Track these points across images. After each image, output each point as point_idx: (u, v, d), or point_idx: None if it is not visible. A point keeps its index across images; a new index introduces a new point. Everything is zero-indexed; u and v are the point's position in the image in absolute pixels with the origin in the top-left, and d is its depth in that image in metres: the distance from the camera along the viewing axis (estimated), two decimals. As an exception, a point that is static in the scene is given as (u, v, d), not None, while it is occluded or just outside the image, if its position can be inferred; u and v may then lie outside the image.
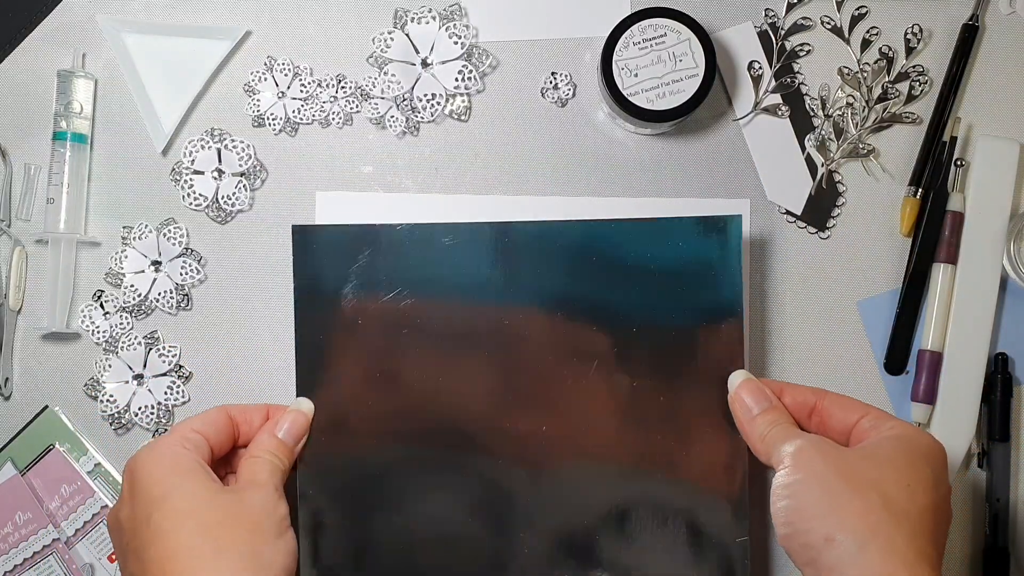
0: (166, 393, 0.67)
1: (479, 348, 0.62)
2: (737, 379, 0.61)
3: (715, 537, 0.61)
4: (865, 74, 0.69)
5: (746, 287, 0.67)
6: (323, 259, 0.62)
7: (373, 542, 0.62)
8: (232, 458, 0.62)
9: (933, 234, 0.67)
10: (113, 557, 0.67)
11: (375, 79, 0.68)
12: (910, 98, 0.69)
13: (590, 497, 0.62)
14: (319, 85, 0.69)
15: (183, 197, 0.68)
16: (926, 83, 0.69)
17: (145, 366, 0.68)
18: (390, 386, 0.62)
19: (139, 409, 0.67)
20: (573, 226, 0.63)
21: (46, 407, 0.68)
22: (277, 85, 0.69)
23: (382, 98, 0.68)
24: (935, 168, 0.68)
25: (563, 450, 0.62)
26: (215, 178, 0.68)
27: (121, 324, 0.68)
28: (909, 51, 0.69)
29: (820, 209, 0.68)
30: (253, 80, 0.69)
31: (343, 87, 0.69)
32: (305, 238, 0.63)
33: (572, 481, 0.62)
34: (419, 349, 0.62)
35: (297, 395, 0.62)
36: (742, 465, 0.61)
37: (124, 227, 0.68)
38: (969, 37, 0.68)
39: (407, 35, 0.68)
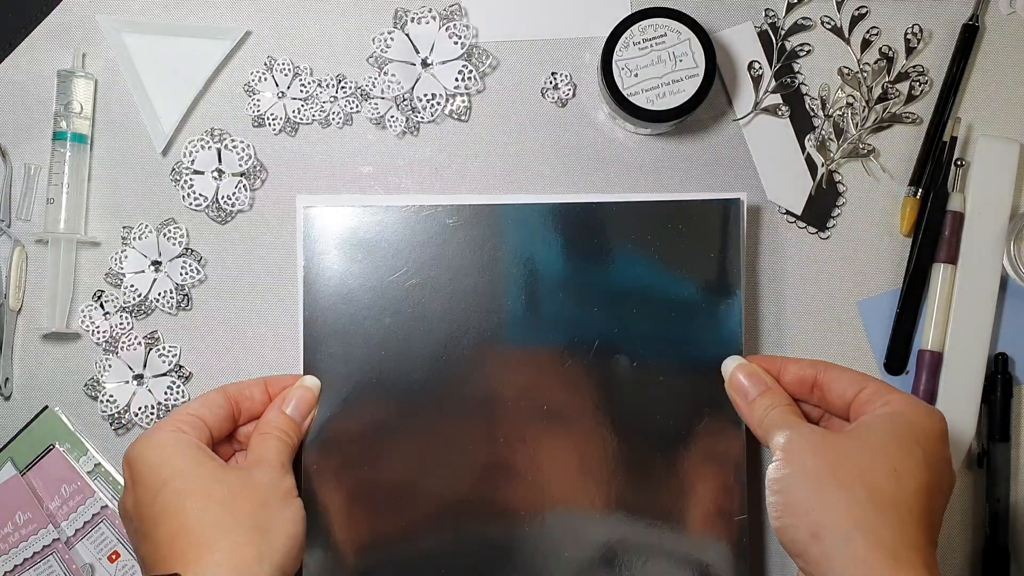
0: (166, 393, 0.67)
1: (482, 326, 0.63)
2: (732, 363, 0.62)
3: (713, 515, 0.62)
4: (865, 74, 0.69)
5: (746, 287, 0.66)
6: (332, 238, 0.64)
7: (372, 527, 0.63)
8: (237, 436, 0.62)
9: (933, 234, 0.67)
10: (113, 557, 0.67)
11: (375, 79, 0.68)
12: (910, 98, 0.69)
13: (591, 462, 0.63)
14: (319, 85, 0.69)
15: (183, 197, 0.68)
16: (926, 83, 0.69)
17: (145, 366, 0.68)
18: (394, 362, 0.63)
19: (139, 409, 0.67)
20: (574, 207, 0.64)
21: (46, 407, 0.68)
22: (277, 85, 0.68)
23: (382, 98, 0.68)
24: (935, 168, 0.68)
25: (562, 426, 0.63)
26: (215, 178, 0.68)
27: (121, 324, 0.68)
28: (909, 51, 0.69)
29: (820, 209, 0.68)
30: (253, 80, 0.69)
31: (343, 87, 0.69)
32: (314, 217, 0.64)
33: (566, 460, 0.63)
34: (423, 327, 0.64)
35: (304, 373, 0.63)
36: (740, 448, 0.63)
37: (124, 227, 0.68)
38: (969, 37, 0.68)
39: (407, 35, 0.68)
